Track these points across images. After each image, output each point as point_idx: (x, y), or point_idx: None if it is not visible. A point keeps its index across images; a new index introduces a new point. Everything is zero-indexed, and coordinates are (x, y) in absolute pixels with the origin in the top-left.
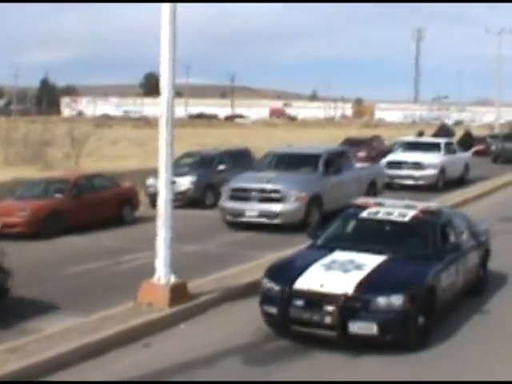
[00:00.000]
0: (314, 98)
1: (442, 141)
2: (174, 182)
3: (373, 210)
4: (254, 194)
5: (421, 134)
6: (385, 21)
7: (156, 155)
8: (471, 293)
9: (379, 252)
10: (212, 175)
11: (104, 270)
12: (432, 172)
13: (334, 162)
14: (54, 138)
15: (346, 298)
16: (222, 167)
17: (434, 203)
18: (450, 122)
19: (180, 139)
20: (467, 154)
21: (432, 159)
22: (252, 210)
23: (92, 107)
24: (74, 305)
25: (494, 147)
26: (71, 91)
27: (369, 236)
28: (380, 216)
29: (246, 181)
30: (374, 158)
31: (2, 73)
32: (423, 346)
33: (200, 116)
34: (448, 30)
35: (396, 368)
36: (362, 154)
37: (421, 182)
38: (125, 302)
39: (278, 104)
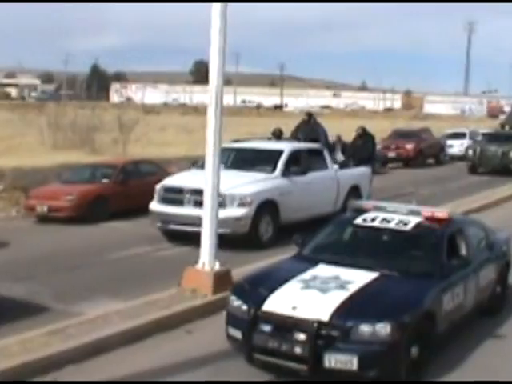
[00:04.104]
0: (363, 88)
1: (286, 147)
2: None
3: (370, 215)
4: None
5: (278, 134)
6: (436, 13)
7: (204, 143)
8: (485, 313)
9: (370, 267)
10: None
11: (147, 255)
12: (240, 212)
13: None
14: (103, 124)
15: (321, 324)
16: None
17: (443, 209)
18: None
19: (228, 127)
20: (356, 171)
21: (248, 186)
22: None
23: (141, 94)
24: (117, 290)
25: (470, 152)
26: (121, 77)
27: (362, 247)
28: (377, 223)
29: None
30: (422, 151)
31: (53, 58)
32: (415, 381)
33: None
34: (500, 23)
35: None
36: (410, 145)
37: (219, 231)
38: (168, 288)
39: (326, 93)
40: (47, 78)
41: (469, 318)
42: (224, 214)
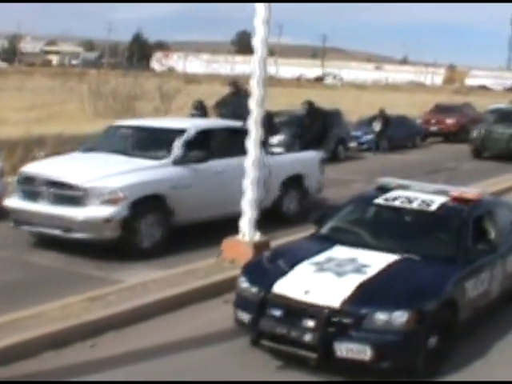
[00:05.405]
0: (405, 61)
1: (189, 126)
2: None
3: (393, 194)
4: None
5: (200, 108)
6: None
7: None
8: None
9: (390, 250)
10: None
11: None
12: (105, 212)
13: None
14: (144, 92)
15: (332, 311)
16: None
17: (474, 189)
18: None
19: (269, 98)
20: (299, 157)
21: (120, 177)
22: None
23: (182, 63)
24: (155, 258)
25: (475, 133)
26: (163, 46)
27: (382, 228)
28: (398, 203)
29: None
30: (464, 126)
31: (95, 26)
32: (434, 373)
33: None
34: None
35: None
36: (451, 120)
37: (80, 236)
38: (207, 258)
39: (368, 66)
40: (89, 45)
41: (495, 305)
42: (84, 213)
